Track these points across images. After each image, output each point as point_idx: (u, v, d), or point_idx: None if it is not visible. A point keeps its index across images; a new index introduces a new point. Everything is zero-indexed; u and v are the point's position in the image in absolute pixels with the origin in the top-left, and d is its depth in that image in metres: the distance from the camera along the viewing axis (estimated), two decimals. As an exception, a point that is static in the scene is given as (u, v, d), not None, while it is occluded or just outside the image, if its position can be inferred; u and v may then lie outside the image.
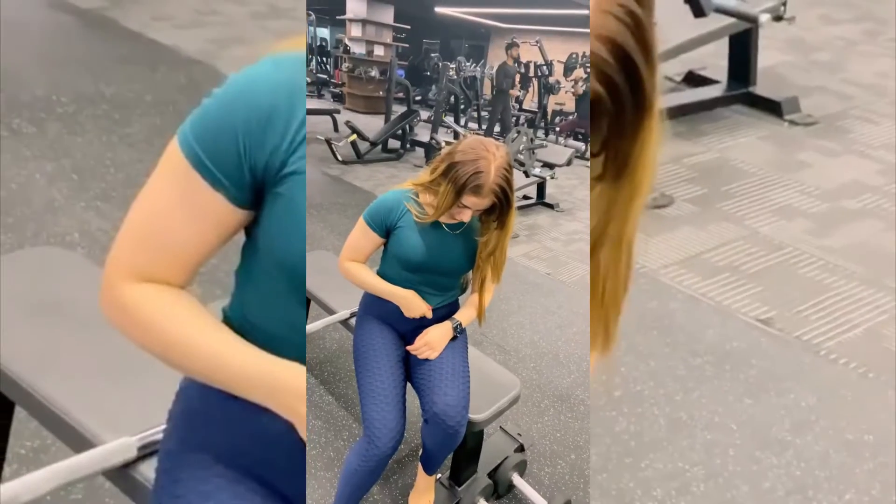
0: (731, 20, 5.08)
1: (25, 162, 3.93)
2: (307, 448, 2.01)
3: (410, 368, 2.36)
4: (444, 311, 2.37)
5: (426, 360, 2.28)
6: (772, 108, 5.53)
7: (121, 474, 1.50)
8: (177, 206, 1.00)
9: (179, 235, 1.02)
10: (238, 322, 1.16)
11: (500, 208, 2.09)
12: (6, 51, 5.09)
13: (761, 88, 5.58)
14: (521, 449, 3.05)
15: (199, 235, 1.03)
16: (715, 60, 5.79)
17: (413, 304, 2.23)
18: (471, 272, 2.35)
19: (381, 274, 2.32)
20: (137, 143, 4.47)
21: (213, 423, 1.23)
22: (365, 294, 2.43)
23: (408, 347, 2.32)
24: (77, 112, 4.61)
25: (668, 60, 5.40)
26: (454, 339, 2.36)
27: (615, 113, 0.78)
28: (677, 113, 5.41)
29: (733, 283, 3.83)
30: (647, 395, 3.11)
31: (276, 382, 1.02)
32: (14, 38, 5.46)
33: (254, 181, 0.99)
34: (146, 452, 1.48)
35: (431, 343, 2.29)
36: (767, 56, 5.82)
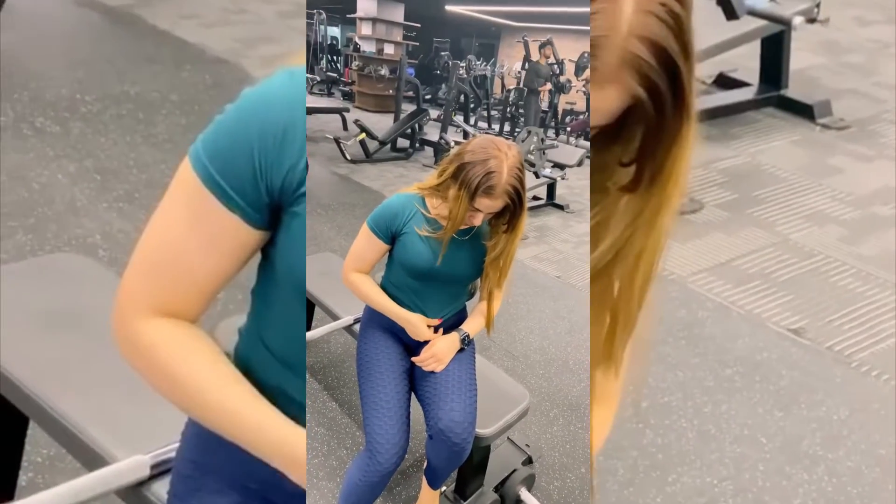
0: (764, 22, 5.00)
1: (48, 162, 3.91)
2: (308, 457, 1.96)
3: (415, 380, 2.29)
4: (452, 321, 2.30)
5: (432, 372, 2.21)
6: (803, 111, 5.45)
7: (134, 493, 1.47)
8: (191, 231, 0.95)
9: (195, 262, 0.97)
10: (253, 342, 1.12)
11: (512, 210, 2.00)
12: (32, 48, 5.11)
13: (793, 91, 5.50)
14: (529, 461, 2.98)
15: (215, 261, 0.97)
16: (746, 62, 5.71)
17: (419, 329, 2.15)
18: (479, 280, 2.26)
19: (386, 281, 2.26)
20: (162, 144, 4.44)
21: (223, 447, 1.19)
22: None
23: (413, 359, 2.24)
24: (101, 111, 4.60)
25: (698, 62, 5.33)
26: (461, 350, 2.28)
27: (655, 119, 0.75)
28: (708, 116, 5.34)
29: (764, 291, 3.76)
30: (675, 406, 3.05)
31: (287, 448, 0.98)
32: (40, 36, 5.47)
33: (270, 201, 0.94)
34: (159, 471, 1.44)
35: (438, 355, 2.21)
36: (799, 58, 5.73)
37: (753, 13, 4.80)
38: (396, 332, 2.28)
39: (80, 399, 1.63)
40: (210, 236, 0.95)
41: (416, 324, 2.15)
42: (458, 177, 1.94)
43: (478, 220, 2.00)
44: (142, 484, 1.46)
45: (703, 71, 5.87)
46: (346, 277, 2.20)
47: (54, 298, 1.96)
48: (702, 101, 5.44)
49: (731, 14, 4.38)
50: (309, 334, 3.21)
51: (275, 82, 0.95)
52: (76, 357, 1.77)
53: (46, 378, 1.66)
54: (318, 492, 2.64)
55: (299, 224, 0.95)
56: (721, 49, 5.10)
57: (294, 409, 1.04)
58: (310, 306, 3.31)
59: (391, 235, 2.11)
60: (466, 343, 2.27)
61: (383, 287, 2.29)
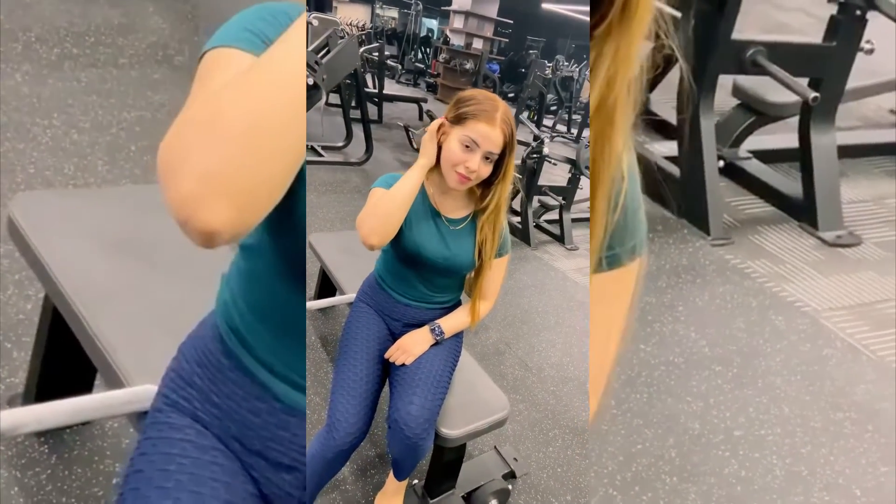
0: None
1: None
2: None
3: (390, 370, 2.29)
4: (439, 315, 2.30)
5: (403, 364, 2.21)
6: None
7: (142, 422, 1.52)
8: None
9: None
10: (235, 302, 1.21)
11: (506, 152, 1.99)
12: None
13: None
14: (510, 476, 2.91)
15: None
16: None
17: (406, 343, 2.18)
18: (469, 274, 2.26)
19: (378, 268, 2.28)
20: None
21: (194, 386, 1.25)
22: (364, 281, 2.39)
23: (385, 355, 2.25)
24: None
25: (891, 92, 5.00)
26: (437, 344, 2.27)
27: None
28: (894, 150, 5.01)
29: (904, 339, 3.50)
30: (770, 441, 2.89)
31: None
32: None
33: None
34: None
35: (405, 346, 2.22)
36: None
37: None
38: (385, 313, 2.31)
39: (118, 323, 1.72)
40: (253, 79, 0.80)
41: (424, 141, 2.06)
42: (456, 113, 1.98)
43: (474, 162, 1.94)
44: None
45: (898, 103, 5.52)
46: (359, 220, 2.02)
47: (130, 226, 2.07)
48: (890, 134, 5.11)
49: (924, 43, 4.07)
50: (311, 304, 3.28)
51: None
52: (127, 284, 1.87)
53: (96, 298, 1.76)
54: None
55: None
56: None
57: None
58: (328, 279, 3.40)
59: None
60: (438, 334, 2.25)
61: (376, 271, 2.32)
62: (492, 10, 16.31)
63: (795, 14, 7.16)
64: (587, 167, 6.62)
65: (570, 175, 6.99)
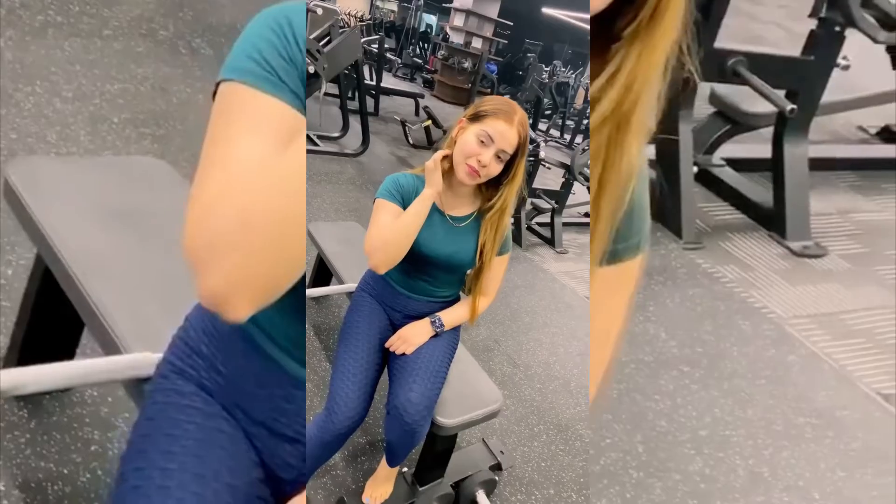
0: (941, 79, 4.74)
1: (193, 81, 4.11)
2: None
3: (389, 358, 2.34)
4: (439, 308, 2.37)
5: (403, 353, 2.26)
6: (966, 180, 5.15)
7: (137, 388, 1.54)
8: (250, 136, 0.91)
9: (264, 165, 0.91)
10: None
11: (518, 154, 2.05)
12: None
13: (959, 159, 5.20)
14: (497, 468, 2.97)
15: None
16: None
17: (435, 156, 2.11)
18: (470, 271, 2.32)
19: None
20: (305, 87, 4.59)
21: (201, 355, 1.27)
22: (367, 271, 2.43)
23: (386, 344, 2.30)
24: (257, 45, 4.77)
25: (863, 108, 5.11)
26: (437, 336, 2.32)
27: None
28: (861, 165, 5.13)
29: (865, 350, 3.58)
30: (734, 441, 2.96)
31: None
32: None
33: (299, 73, 0.97)
34: None
35: (405, 337, 2.27)
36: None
37: (926, 67, 4.56)
38: (386, 304, 2.36)
39: (116, 291, 1.72)
40: (268, 130, 0.92)
41: (427, 163, 2.08)
42: (475, 112, 2.06)
43: (486, 156, 2.00)
44: (146, 380, 1.52)
45: (869, 120, 5.63)
46: (369, 247, 2.09)
47: (124, 196, 2.07)
48: (859, 149, 5.22)
49: (898, 63, 4.18)
50: (311, 291, 3.32)
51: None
52: (125, 253, 1.87)
53: (94, 266, 1.77)
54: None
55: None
56: (884, 99, 4.87)
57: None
58: (327, 269, 3.44)
59: (402, 202, 2.13)
60: (438, 326, 2.31)
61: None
62: (493, 11, 16.32)
63: (770, 27, 7.28)
64: (580, 173, 6.70)
65: (563, 180, 7.09)
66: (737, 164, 4.64)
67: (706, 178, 4.54)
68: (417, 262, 2.19)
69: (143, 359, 1.52)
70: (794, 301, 3.84)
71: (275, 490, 1.29)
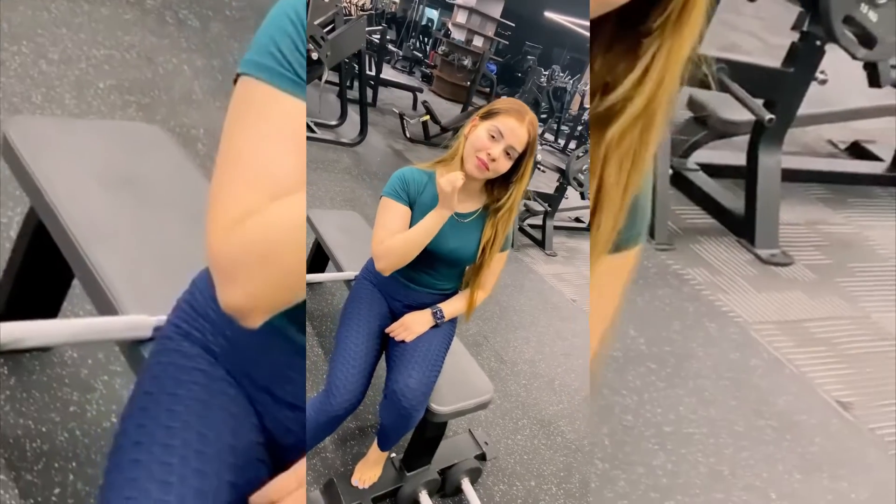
0: (912, 99, 4.85)
1: (179, 51, 4.10)
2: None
3: (388, 346, 2.39)
4: (439, 300, 2.43)
5: (402, 340, 2.31)
6: (929, 200, 5.28)
7: (132, 350, 1.55)
8: (264, 133, 0.98)
9: (277, 164, 0.98)
10: None
11: (527, 152, 2.11)
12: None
13: (924, 178, 5.32)
14: (482, 457, 3.04)
15: (294, 158, 0.99)
16: (887, 138, 5.55)
17: (449, 177, 2.05)
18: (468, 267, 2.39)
19: None
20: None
21: (208, 319, 1.30)
22: (369, 260, 2.48)
23: (387, 329, 2.35)
24: (243, 18, 4.77)
25: (836, 122, 5.21)
26: (436, 326, 2.38)
27: None
28: (829, 179, 5.23)
29: (825, 358, 3.68)
30: (697, 439, 3.03)
31: None
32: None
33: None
34: None
35: (407, 324, 2.33)
36: (941, 146, 5.53)
37: (899, 87, 4.66)
38: (387, 293, 2.42)
39: (114, 254, 1.73)
40: (281, 131, 0.98)
41: (442, 183, 2.03)
42: (488, 111, 2.13)
43: (496, 150, 2.06)
44: (142, 343, 1.54)
45: (840, 135, 5.74)
46: (376, 250, 2.18)
47: (124, 161, 2.08)
48: (829, 163, 5.32)
49: (874, 82, 4.25)
50: (309, 277, 3.35)
51: None
52: (124, 216, 1.88)
53: (94, 230, 1.77)
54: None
55: None
56: (859, 115, 4.98)
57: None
58: (324, 255, 3.47)
59: (409, 201, 2.19)
60: (439, 318, 2.37)
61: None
62: (496, 11, 16.31)
63: (745, 36, 7.38)
64: (575, 178, 6.79)
65: (557, 184, 7.18)
66: (711, 169, 4.72)
67: (680, 182, 4.61)
68: (421, 256, 2.23)
69: (141, 321, 1.53)
70: (759, 307, 3.92)
71: (274, 455, 1.32)
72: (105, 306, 1.64)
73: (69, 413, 2.17)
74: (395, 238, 2.14)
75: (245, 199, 0.94)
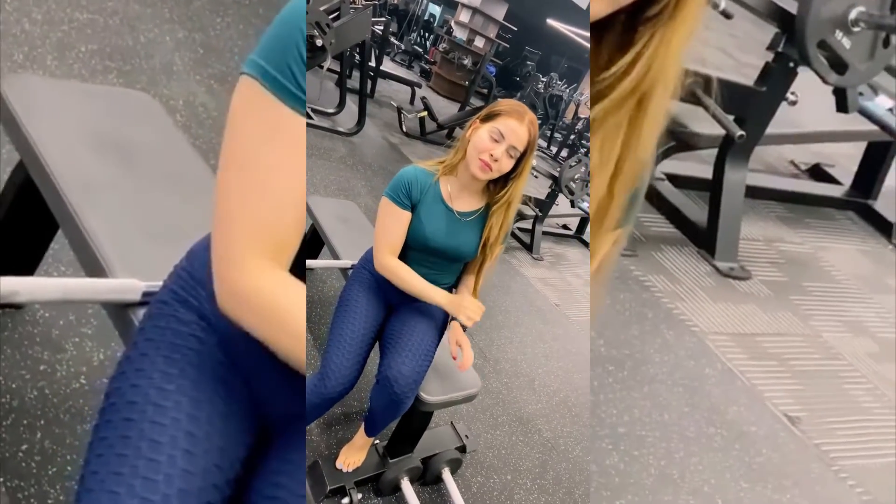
0: (874, 127, 4.94)
1: (162, 23, 4.07)
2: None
3: (382, 333, 2.45)
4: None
5: (397, 327, 2.38)
6: (883, 227, 5.40)
7: (120, 313, 1.56)
8: (266, 142, 1.02)
9: (280, 176, 1.04)
10: None
11: (527, 152, 2.17)
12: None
13: (880, 205, 5.45)
14: (462, 449, 3.10)
15: (296, 170, 1.04)
16: (847, 163, 5.68)
17: (469, 307, 2.28)
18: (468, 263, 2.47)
19: None
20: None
21: (206, 288, 1.31)
22: (369, 250, 2.52)
23: (453, 314, 2.37)
24: (228, -6, 4.75)
25: (799, 144, 5.32)
26: (430, 318, 2.44)
27: None
28: (789, 198, 5.33)
29: (776, 373, 3.76)
30: (649, 442, 3.09)
31: None
32: None
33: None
34: (150, 300, 1.51)
35: (471, 310, 2.33)
36: (898, 175, 5.67)
37: (866, 114, 4.75)
38: (384, 287, 2.48)
39: (104, 218, 1.73)
40: (283, 142, 1.03)
41: (466, 306, 2.27)
42: (488, 113, 2.17)
43: (498, 151, 2.11)
44: (130, 306, 1.56)
45: (802, 156, 5.85)
46: (380, 261, 2.32)
47: (117, 126, 2.08)
48: (789, 183, 5.43)
49: (841, 107, 4.35)
50: (308, 263, 3.38)
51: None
52: (115, 181, 1.88)
53: (84, 191, 1.77)
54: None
55: None
56: (823, 138, 5.07)
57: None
58: (319, 241, 3.49)
59: (411, 204, 2.23)
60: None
61: None
62: (499, 13, 16.31)
63: (715, 52, 7.47)
64: (566, 186, 6.86)
65: (549, 190, 7.25)
66: (676, 180, 4.79)
67: (646, 190, 4.67)
68: (422, 253, 2.28)
69: (130, 285, 1.54)
70: (715, 317, 4.00)
71: (268, 423, 1.34)
72: (92, 264, 1.64)
73: (39, 372, 2.17)
74: (400, 269, 2.29)
75: (250, 218, 1.05)
